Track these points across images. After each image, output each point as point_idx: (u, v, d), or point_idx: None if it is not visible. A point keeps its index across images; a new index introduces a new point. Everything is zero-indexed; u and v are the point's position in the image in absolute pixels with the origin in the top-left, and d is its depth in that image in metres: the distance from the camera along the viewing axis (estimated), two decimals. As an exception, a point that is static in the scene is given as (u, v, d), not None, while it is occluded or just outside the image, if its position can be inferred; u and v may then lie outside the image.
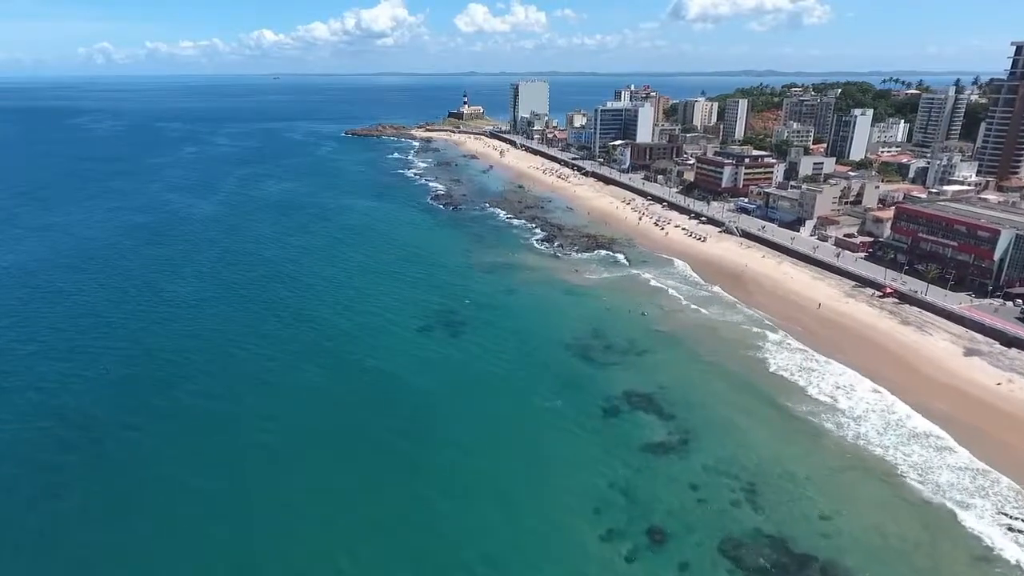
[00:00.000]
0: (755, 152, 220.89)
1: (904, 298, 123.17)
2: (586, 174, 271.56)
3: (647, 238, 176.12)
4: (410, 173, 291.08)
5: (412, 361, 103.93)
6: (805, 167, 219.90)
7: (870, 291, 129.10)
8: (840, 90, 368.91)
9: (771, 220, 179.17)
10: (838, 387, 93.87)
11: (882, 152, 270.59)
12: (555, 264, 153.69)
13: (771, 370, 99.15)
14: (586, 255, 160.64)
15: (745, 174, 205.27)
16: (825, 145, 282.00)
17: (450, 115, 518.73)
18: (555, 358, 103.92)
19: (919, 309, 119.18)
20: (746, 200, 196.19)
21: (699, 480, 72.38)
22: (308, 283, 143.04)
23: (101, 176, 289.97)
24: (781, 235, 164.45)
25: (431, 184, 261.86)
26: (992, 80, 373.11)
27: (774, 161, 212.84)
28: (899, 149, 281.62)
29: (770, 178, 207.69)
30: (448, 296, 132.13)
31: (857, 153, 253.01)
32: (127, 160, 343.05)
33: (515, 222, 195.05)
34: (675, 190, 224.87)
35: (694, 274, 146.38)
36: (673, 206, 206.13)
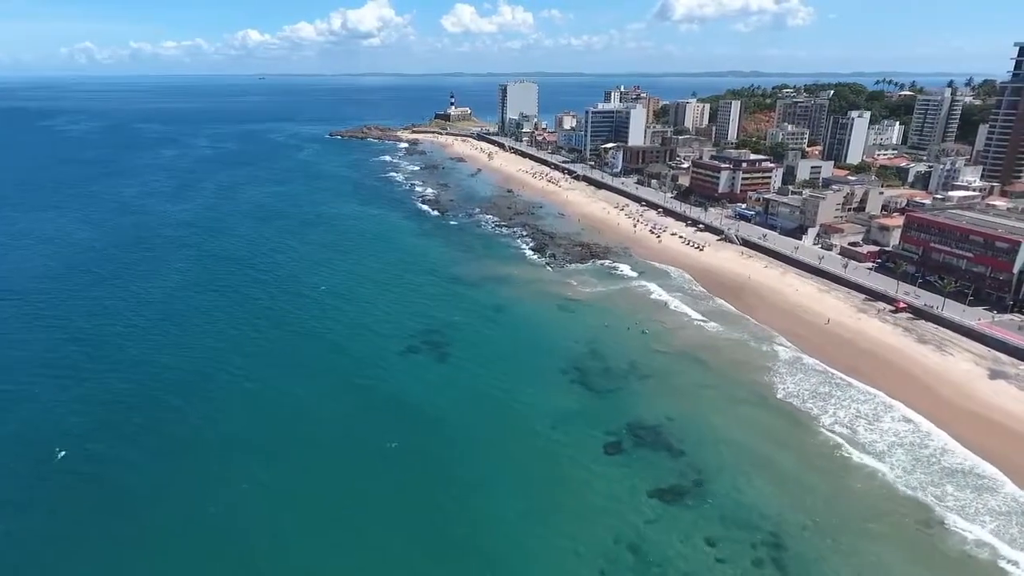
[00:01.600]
0: (752, 156, 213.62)
1: (919, 313, 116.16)
2: (577, 178, 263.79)
3: (643, 247, 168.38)
4: (396, 177, 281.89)
5: (396, 388, 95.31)
6: (803, 171, 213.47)
7: (881, 305, 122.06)
8: (832, 91, 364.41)
9: (772, 227, 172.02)
10: (859, 415, 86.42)
11: (879, 155, 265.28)
12: (548, 276, 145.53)
13: (786, 396, 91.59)
14: (580, 266, 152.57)
15: (743, 179, 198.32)
16: (820, 148, 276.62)
17: (437, 116, 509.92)
18: (551, 384, 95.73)
19: (935, 325, 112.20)
20: (744, 206, 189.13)
21: (716, 533, 64.36)
22: (289, 295, 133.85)
23: (75, 180, 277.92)
24: (783, 244, 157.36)
25: (417, 189, 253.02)
26: (986, 81, 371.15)
27: (772, 165, 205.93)
28: (896, 152, 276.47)
29: (768, 183, 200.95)
30: (436, 312, 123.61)
31: (854, 156, 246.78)
32: (103, 163, 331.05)
33: (505, 230, 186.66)
34: (670, 195, 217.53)
35: (695, 286, 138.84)
36: (669, 212, 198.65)
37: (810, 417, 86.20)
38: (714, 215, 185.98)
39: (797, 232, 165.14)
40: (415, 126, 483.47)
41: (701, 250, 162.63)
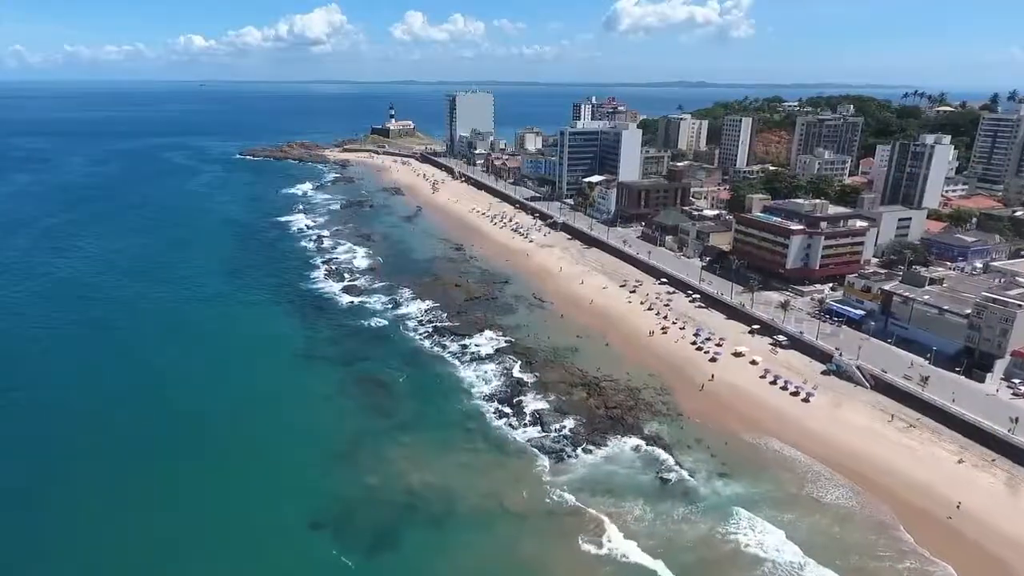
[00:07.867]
0: (835, 210, 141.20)
1: None
2: (554, 226, 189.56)
3: (699, 392, 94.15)
4: (302, 223, 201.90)
5: None
6: (887, 226, 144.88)
7: None
8: (851, 106, 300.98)
9: (904, 344, 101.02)
10: None
11: (947, 193, 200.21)
12: (537, 494, 69.91)
13: None
14: (600, 453, 77.62)
15: (824, 247, 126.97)
16: (863, 181, 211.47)
17: (374, 131, 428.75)
18: None
19: None
20: (840, 297, 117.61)
21: None
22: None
23: None
24: (948, 387, 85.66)
25: (326, 244, 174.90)
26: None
27: (865, 224, 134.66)
28: (965, 188, 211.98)
29: (858, 253, 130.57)
30: None
31: (932, 199, 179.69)
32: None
33: (450, 343, 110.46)
34: (698, 262, 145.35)
35: (846, 514, 65.10)
36: (710, 300, 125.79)
37: None
38: (804, 313, 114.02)
39: (959, 358, 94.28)
40: (347, 143, 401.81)
41: (806, 401, 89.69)
